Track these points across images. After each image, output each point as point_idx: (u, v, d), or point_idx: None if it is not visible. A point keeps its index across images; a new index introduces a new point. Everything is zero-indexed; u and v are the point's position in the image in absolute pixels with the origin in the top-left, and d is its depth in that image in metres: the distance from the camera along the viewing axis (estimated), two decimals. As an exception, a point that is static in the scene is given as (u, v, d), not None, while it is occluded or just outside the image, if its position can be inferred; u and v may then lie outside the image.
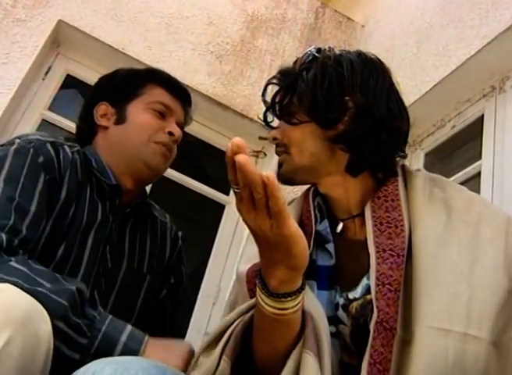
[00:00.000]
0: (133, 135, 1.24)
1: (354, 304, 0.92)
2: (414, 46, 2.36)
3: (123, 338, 0.93)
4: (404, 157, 1.06)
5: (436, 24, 2.28)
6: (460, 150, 2.14)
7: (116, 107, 1.28)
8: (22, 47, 2.18)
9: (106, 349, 0.91)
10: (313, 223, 1.00)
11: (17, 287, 0.82)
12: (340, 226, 1.01)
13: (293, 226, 0.70)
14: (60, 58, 2.37)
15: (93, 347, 0.90)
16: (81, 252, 1.13)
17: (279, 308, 0.75)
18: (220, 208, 2.48)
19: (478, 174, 1.87)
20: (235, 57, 2.60)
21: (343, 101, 0.98)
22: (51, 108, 2.31)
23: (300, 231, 0.71)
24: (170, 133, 1.25)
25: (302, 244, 0.72)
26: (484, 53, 1.93)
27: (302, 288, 0.76)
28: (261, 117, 1.11)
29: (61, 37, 2.35)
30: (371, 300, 0.88)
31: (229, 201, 2.50)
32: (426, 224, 0.91)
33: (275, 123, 1.10)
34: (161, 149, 1.24)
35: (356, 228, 1.01)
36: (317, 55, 1.03)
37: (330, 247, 0.98)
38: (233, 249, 2.37)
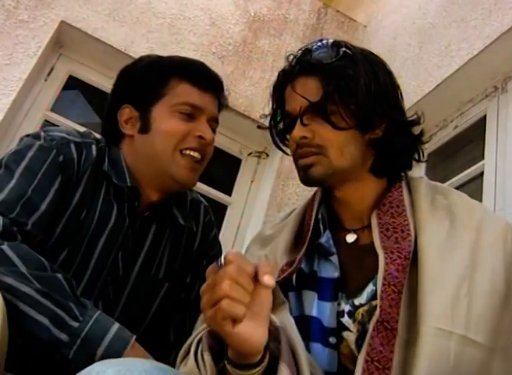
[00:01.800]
0: (158, 146, 1.14)
1: (360, 310, 0.92)
2: (417, 46, 2.36)
3: (114, 328, 0.93)
4: (418, 160, 1.06)
5: (439, 24, 2.28)
6: (463, 150, 2.13)
7: (140, 111, 1.18)
8: (24, 48, 2.19)
9: (95, 336, 0.90)
10: (308, 236, 1.00)
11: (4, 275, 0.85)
12: (353, 238, 1.01)
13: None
14: (62, 59, 2.38)
15: (83, 331, 0.90)
16: (87, 259, 1.10)
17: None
18: (222, 208, 2.48)
19: (481, 174, 1.86)
20: (237, 58, 2.60)
21: (382, 108, 0.98)
22: (53, 109, 2.31)
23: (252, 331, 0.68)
24: (201, 137, 1.15)
25: (253, 343, 0.69)
26: (486, 53, 1.93)
27: (260, 363, 0.72)
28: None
29: (63, 38, 2.35)
30: (376, 305, 0.88)
31: (231, 202, 2.50)
32: (431, 230, 0.93)
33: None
34: (187, 162, 1.14)
35: (362, 234, 1.01)
36: (348, 51, 0.98)
37: (334, 259, 0.97)
38: (235, 250, 2.37)
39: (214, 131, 1.22)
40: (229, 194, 2.52)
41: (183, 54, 2.45)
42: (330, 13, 2.94)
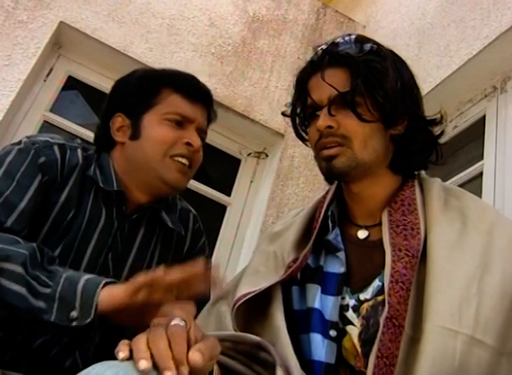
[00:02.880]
0: (149, 151, 1.18)
1: (365, 305, 0.93)
2: (416, 46, 2.36)
3: (84, 277, 0.94)
4: (441, 157, 1.07)
5: (438, 24, 2.28)
6: (462, 150, 2.13)
7: (132, 119, 1.22)
8: (23, 49, 2.18)
9: (69, 293, 0.92)
10: (315, 233, 1.01)
11: None
12: (365, 234, 1.02)
13: None
14: (61, 60, 2.37)
15: (56, 293, 0.92)
16: (80, 258, 1.12)
17: None
18: (222, 209, 2.48)
19: (480, 174, 1.86)
20: (236, 58, 2.60)
21: (405, 104, 0.99)
22: (52, 110, 2.31)
23: None
24: (188, 144, 1.19)
25: None
26: (485, 53, 1.93)
27: None
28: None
29: (62, 39, 2.35)
30: (381, 301, 0.89)
31: (231, 202, 2.50)
32: (441, 229, 0.93)
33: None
34: (177, 166, 1.18)
35: (373, 230, 1.01)
36: (376, 47, 1.02)
37: (341, 255, 0.99)
38: (235, 250, 2.37)
39: (202, 140, 1.25)
40: (229, 195, 2.52)
41: (182, 54, 2.46)
42: (329, 13, 2.94)
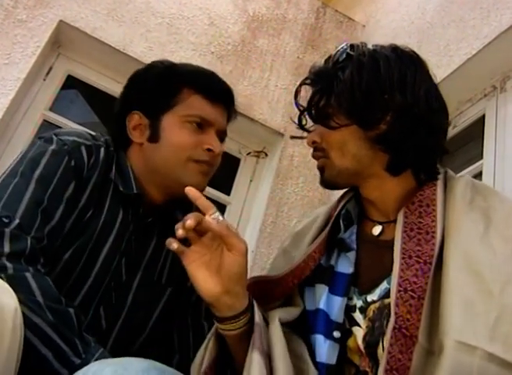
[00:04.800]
0: (169, 156, 1.14)
1: (372, 307, 0.92)
2: (415, 46, 2.35)
3: None
4: (446, 152, 1.01)
5: (437, 24, 2.28)
6: (461, 150, 2.13)
7: (150, 118, 1.18)
8: (23, 47, 2.18)
9: None
10: (326, 231, 1.01)
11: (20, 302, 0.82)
12: (379, 229, 1.00)
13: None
14: (61, 59, 2.37)
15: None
16: (91, 264, 1.10)
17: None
18: (221, 208, 2.48)
19: (480, 174, 1.86)
20: (236, 57, 2.60)
21: (383, 101, 0.94)
22: (52, 109, 2.31)
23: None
24: (209, 150, 1.16)
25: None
26: (485, 53, 1.93)
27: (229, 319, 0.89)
28: (296, 120, 1.06)
29: (62, 38, 2.35)
30: (388, 304, 0.87)
31: (231, 201, 2.50)
32: (461, 235, 0.87)
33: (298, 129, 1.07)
34: (201, 167, 1.16)
35: (388, 227, 0.99)
36: (351, 52, 0.99)
37: (351, 255, 0.98)
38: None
39: (222, 141, 1.23)
40: (228, 194, 2.52)
41: (181, 53, 2.46)
42: (329, 13, 2.94)
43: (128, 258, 1.15)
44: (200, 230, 0.88)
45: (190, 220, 0.84)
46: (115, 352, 1.06)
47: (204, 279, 0.87)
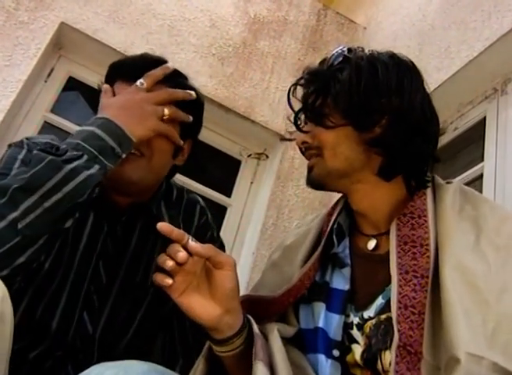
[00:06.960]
0: None
1: (369, 323, 0.90)
2: (416, 48, 2.36)
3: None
4: (438, 160, 1.01)
5: (438, 26, 2.28)
6: (462, 152, 2.13)
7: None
8: (24, 49, 2.19)
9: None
10: (320, 247, 1.00)
11: None
12: (373, 244, 0.98)
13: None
14: (62, 61, 2.38)
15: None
16: (69, 269, 1.09)
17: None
18: (222, 210, 2.48)
19: (481, 176, 1.86)
20: (237, 59, 2.60)
21: (380, 104, 0.94)
22: (53, 111, 2.31)
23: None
24: None
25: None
26: (486, 55, 1.93)
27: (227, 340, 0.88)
28: (291, 120, 1.06)
29: (63, 40, 2.36)
30: (385, 319, 0.87)
31: (231, 203, 2.50)
32: (453, 246, 0.86)
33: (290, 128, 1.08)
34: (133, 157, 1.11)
35: (381, 240, 0.98)
36: (348, 55, 0.99)
37: (346, 271, 0.97)
38: (235, 251, 2.37)
39: None
40: (229, 196, 2.52)
41: (182, 55, 2.46)
42: (330, 15, 2.94)
43: (106, 261, 1.13)
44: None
45: (180, 253, 0.81)
46: (102, 357, 1.05)
47: (201, 304, 0.85)
